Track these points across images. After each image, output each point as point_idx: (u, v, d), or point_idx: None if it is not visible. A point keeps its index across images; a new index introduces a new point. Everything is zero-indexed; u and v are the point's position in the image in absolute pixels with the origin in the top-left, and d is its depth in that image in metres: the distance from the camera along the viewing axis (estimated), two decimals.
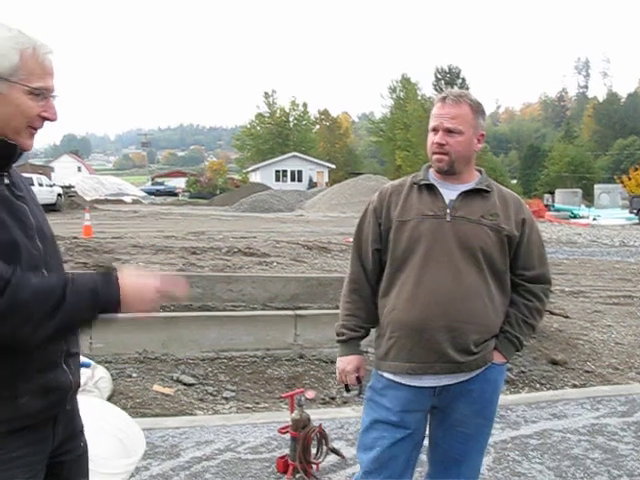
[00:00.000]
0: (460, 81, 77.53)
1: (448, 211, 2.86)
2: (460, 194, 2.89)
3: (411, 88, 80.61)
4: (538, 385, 7.00)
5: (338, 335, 3.10)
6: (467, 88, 75.21)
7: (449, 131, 2.83)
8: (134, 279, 1.92)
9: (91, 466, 2.26)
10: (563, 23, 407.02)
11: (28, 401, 1.89)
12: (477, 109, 2.89)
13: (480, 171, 3.03)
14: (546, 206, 43.46)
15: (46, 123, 1.96)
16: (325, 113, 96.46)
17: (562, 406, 5.89)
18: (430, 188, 2.92)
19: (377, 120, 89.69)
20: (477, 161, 3.05)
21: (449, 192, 2.91)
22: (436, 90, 74.75)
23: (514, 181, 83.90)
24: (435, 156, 2.89)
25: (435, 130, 2.88)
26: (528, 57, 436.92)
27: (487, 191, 2.92)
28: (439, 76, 78.32)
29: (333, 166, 72.19)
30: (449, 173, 2.90)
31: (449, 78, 77.55)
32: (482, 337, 2.85)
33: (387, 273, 2.96)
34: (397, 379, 2.91)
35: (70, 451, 2.11)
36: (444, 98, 2.88)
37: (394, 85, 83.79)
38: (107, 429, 2.34)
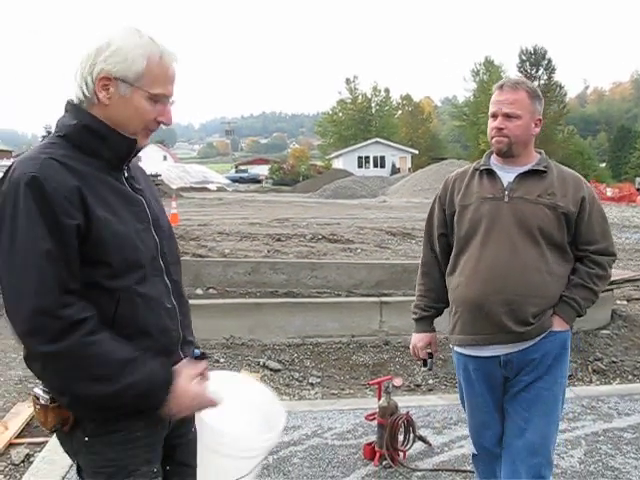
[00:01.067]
0: (546, 62, 75.08)
1: (506, 193, 3.02)
2: (517, 176, 3.05)
3: (495, 71, 78.71)
4: (631, 376, 6.78)
5: (412, 314, 3.40)
6: (553, 69, 73.12)
7: (507, 116, 2.99)
8: (185, 389, 1.94)
9: (226, 450, 2.28)
10: None
11: None
12: (534, 95, 3.04)
13: (540, 152, 3.16)
14: (638, 190, 41.95)
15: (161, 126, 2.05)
16: (407, 98, 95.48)
17: None
18: (490, 172, 3.10)
19: (460, 104, 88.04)
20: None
21: (507, 175, 3.06)
22: (520, 72, 72.50)
23: (603, 164, 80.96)
24: (495, 139, 3.03)
25: (494, 116, 3.04)
26: (618, 34, 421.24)
27: (544, 171, 3.05)
28: (524, 57, 75.80)
29: (416, 151, 71.46)
30: (508, 155, 3.05)
31: (534, 59, 75.09)
32: (541, 309, 2.98)
33: (453, 254, 3.17)
34: (464, 351, 3.14)
35: (182, 435, 2.20)
36: (502, 86, 3.05)
37: (477, 68, 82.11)
38: (243, 406, 2.35)
